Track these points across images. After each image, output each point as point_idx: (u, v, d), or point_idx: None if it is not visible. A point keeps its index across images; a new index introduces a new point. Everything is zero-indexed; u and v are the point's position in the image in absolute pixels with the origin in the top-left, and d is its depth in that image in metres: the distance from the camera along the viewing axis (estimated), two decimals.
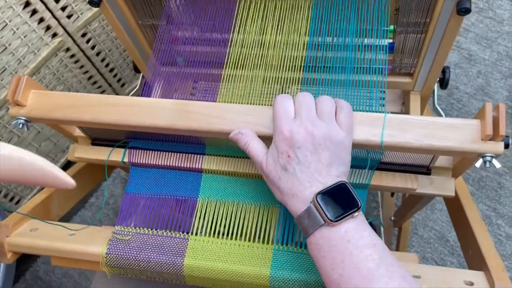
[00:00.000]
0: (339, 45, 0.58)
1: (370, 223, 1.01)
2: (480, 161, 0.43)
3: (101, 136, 0.60)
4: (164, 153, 0.57)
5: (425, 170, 0.52)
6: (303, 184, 0.42)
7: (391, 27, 0.63)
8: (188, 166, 0.56)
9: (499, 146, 0.42)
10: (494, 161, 0.42)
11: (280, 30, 0.59)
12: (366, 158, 0.51)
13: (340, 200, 0.41)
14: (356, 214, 0.41)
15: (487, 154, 0.42)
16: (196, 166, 0.55)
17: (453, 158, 0.52)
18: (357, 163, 0.52)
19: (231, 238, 0.52)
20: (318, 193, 0.41)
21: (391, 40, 0.64)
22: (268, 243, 0.51)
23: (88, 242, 0.53)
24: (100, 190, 1.28)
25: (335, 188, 0.41)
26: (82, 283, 1.16)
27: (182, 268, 0.50)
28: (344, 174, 0.44)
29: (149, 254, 0.51)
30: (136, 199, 0.55)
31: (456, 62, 1.32)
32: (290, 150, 0.43)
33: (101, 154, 0.60)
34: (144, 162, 0.57)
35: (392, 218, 1.00)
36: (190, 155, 0.56)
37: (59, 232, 0.55)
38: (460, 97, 1.27)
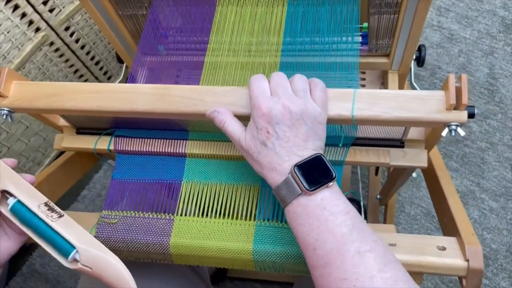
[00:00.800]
0: (314, 31, 0.60)
1: (354, 199, 1.04)
2: (446, 130, 0.45)
3: (86, 125, 0.61)
4: (149, 139, 0.58)
5: (398, 143, 0.54)
6: (282, 158, 0.44)
7: (365, 24, 0.65)
8: (172, 151, 0.57)
9: (462, 115, 0.44)
10: (459, 130, 0.44)
11: (257, 17, 0.60)
12: (341, 135, 0.53)
13: (316, 171, 0.43)
14: (331, 184, 0.43)
15: (452, 123, 0.44)
16: (180, 151, 0.57)
17: (424, 130, 0.54)
18: (333, 141, 0.54)
19: (215, 217, 0.53)
20: (296, 165, 0.43)
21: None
22: (250, 219, 0.53)
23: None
24: (92, 183, 1.29)
25: (312, 160, 0.43)
26: (78, 274, 1.18)
27: (169, 247, 0.52)
28: (320, 148, 0.46)
29: (136, 235, 0.53)
30: (123, 185, 0.57)
31: (437, 42, 1.34)
32: (269, 126, 0.44)
33: (87, 143, 0.61)
34: (129, 149, 0.58)
35: (378, 196, 1.02)
36: (174, 140, 0.58)
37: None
38: (442, 77, 1.29)
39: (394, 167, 0.55)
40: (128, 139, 0.59)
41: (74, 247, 0.45)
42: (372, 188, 1.07)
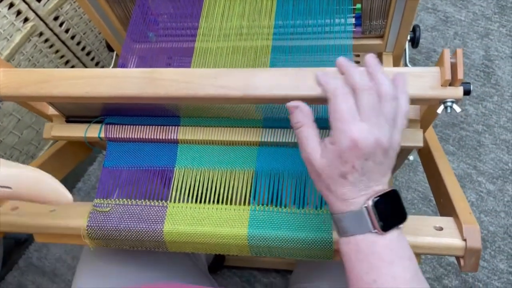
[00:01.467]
0: (306, 12, 0.59)
1: None
2: (442, 107, 0.44)
3: (75, 113, 0.60)
4: (140, 126, 0.57)
5: None
6: (359, 191, 0.40)
7: (358, 5, 0.64)
8: (163, 137, 0.56)
9: (458, 91, 0.43)
10: (455, 106, 0.43)
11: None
12: None
13: (390, 209, 0.40)
14: (401, 225, 0.40)
15: (447, 100, 0.43)
16: (172, 137, 0.56)
17: (419, 109, 0.54)
18: (325, 124, 0.53)
19: (209, 203, 0.53)
20: (373, 200, 0.39)
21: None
22: (245, 204, 0.52)
23: (69, 216, 0.54)
24: (87, 175, 1.28)
25: (387, 195, 0.40)
26: (76, 266, 1.17)
27: (162, 234, 0.51)
28: (389, 178, 0.42)
29: (129, 223, 0.52)
30: (114, 173, 0.56)
31: (432, 24, 1.33)
32: (357, 161, 0.38)
33: (77, 131, 0.60)
34: (120, 136, 0.57)
35: None
36: (165, 127, 0.57)
37: (40, 209, 0.56)
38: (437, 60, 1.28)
39: None
40: (119, 126, 0.58)
41: None
42: None
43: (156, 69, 0.49)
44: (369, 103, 0.39)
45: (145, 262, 0.63)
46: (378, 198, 0.39)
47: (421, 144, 0.53)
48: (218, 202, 0.53)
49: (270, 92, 0.46)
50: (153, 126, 0.57)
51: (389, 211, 0.39)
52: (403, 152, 0.67)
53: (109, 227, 0.52)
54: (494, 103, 1.20)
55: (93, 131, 0.58)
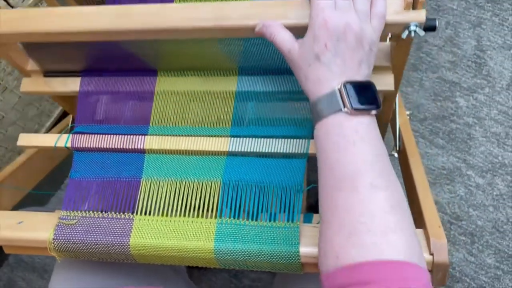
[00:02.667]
0: None
1: None
2: (406, 32, 0.44)
3: (53, 66, 0.59)
4: (107, 136, 0.56)
5: None
6: (333, 74, 0.41)
7: None
8: (130, 147, 0.55)
9: (421, 14, 0.43)
10: (418, 30, 0.43)
11: None
12: None
13: (364, 95, 0.41)
14: (374, 112, 0.41)
15: (411, 24, 0.43)
16: (139, 147, 0.55)
17: (390, 52, 0.53)
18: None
19: (175, 215, 0.52)
20: (347, 82, 0.41)
21: None
22: (211, 217, 0.51)
23: (36, 229, 0.53)
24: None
25: (363, 84, 0.42)
26: None
27: (129, 248, 0.51)
28: (368, 77, 0.43)
29: (95, 236, 0.51)
30: (81, 184, 0.55)
31: None
32: (329, 41, 0.41)
33: (55, 86, 0.60)
34: (87, 146, 0.56)
35: None
36: (132, 136, 0.56)
37: (9, 221, 0.55)
38: (429, 50, 1.25)
39: None
40: (86, 135, 0.57)
41: None
42: None
43: (128, 6, 0.48)
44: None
45: (123, 269, 0.63)
46: (352, 82, 0.41)
47: (392, 88, 0.53)
48: (185, 214, 0.52)
49: (242, 22, 0.46)
50: (120, 136, 0.56)
51: (363, 97, 0.40)
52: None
53: (75, 240, 0.52)
54: (485, 95, 1.18)
55: (60, 141, 0.57)
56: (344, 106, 0.40)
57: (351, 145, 0.39)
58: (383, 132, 0.74)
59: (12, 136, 1.11)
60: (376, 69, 0.52)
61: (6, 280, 1.17)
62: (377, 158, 0.40)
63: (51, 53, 0.57)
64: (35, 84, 0.61)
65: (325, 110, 0.41)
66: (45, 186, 0.77)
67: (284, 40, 0.44)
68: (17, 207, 0.65)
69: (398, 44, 0.49)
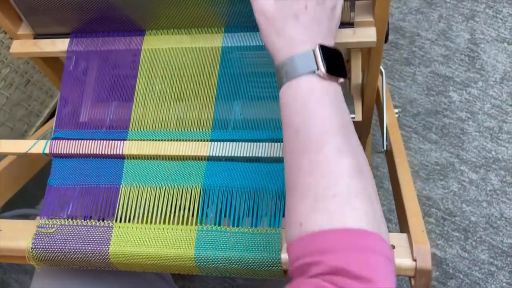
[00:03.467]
0: None
1: None
2: None
3: (44, 29, 0.60)
4: (86, 141, 0.55)
5: (348, 26, 0.55)
6: (308, 37, 0.41)
7: None
8: (109, 152, 0.54)
9: None
10: None
11: None
12: None
13: (333, 62, 0.40)
14: (341, 80, 0.41)
15: None
16: (118, 152, 0.54)
17: (372, 6, 0.53)
18: None
19: (155, 223, 0.51)
20: (321, 45, 0.40)
21: None
22: (192, 224, 0.50)
23: (14, 238, 0.52)
24: None
25: (334, 51, 0.42)
26: None
27: (108, 256, 0.50)
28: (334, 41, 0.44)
29: (74, 245, 0.51)
30: (59, 191, 0.54)
31: (417, 7, 1.28)
32: (309, 2, 0.41)
33: (45, 47, 0.61)
34: (65, 152, 0.55)
35: None
36: (111, 141, 0.54)
37: None
38: (422, 44, 1.24)
39: (345, 46, 0.55)
40: (64, 141, 0.56)
41: None
42: None
43: None
44: None
45: (104, 275, 0.62)
46: (325, 47, 0.40)
47: (373, 39, 0.53)
48: (165, 222, 0.51)
49: None
50: (99, 141, 0.55)
51: (334, 63, 0.40)
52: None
53: (54, 249, 0.51)
54: (479, 89, 1.17)
55: (38, 148, 0.56)
56: (318, 69, 0.39)
57: (320, 107, 0.39)
58: (367, 132, 0.73)
59: (0, 137, 1.10)
60: (360, 24, 0.54)
61: None
62: (343, 123, 0.39)
63: (47, 15, 0.58)
64: (25, 46, 0.62)
65: (297, 70, 0.40)
66: (34, 187, 0.76)
67: None
68: (6, 209, 0.64)
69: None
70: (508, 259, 1.02)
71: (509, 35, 1.21)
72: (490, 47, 1.20)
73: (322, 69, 0.39)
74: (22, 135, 1.17)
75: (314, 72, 0.39)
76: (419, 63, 1.22)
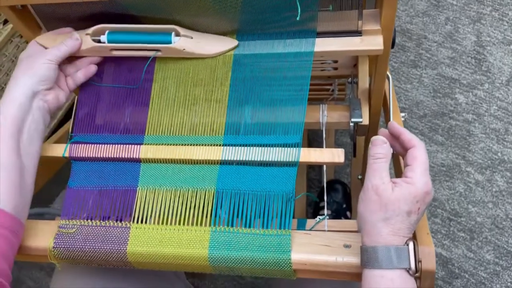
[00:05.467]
0: None
1: (341, 182, 1.03)
2: None
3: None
4: (104, 145, 0.58)
5: (356, 34, 0.57)
6: (409, 233, 0.45)
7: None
8: (127, 156, 0.57)
9: None
10: None
11: None
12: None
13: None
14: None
15: None
16: (134, 156, 0.56)
17: (379, 15, 0.55)
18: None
19: (171, 224, 0.53)
20: (414, 242, 0.44)
21: None
22: (206, 225, 0.53)
23: (36, 237, 0.55)
24: None
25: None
26: None
27: (126, 255, 0.52)
28: None
29: (94, 244, 0.53)
30: (79, 193, 0.57)
31: (423, 9, 1.29)
32: (423, 206, 0.45)
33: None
34: (84, 155, 0.58)
35: (359, 176, 1.02)
36: (128, 146, 0.57)
37: None
38: (428, 47, 1.25)
39: (353, 53, 0.61)
40: (83, 145, 0.58)
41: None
42: (354, 168, 1.06)
43: None
44: (427, 158, 0.47)
45: (121, 271, 0.64)
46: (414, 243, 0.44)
47: (381, 47, 0.55)
48: (180, 223, 0.53)
49: None
50: (117, 145, 0.57)
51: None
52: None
53: (74, 248, 0.53)
54: (485, 91, 1.18)
55: (58, 151, 0.58)
56: (410, 266, 0.43)
57: None
58: (374, 132, 0.74)
59: None
60: (367, 32, 0.57)
61: (14, 278, 1.19)
62: None
63: (66, 24, 0.60)
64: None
65: (391, 262, 0.43)
66: (49, 185, 0.79)
67: (382, 175, 0.46)
68: None
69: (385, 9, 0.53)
70: None
71: None
72: (496, 49, 1.21)
73: (413, 266, 0.43)
74: None
75: (405, 268, 0.43)
76: (425, 65, 1.24)
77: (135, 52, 0.59)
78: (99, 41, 0.58)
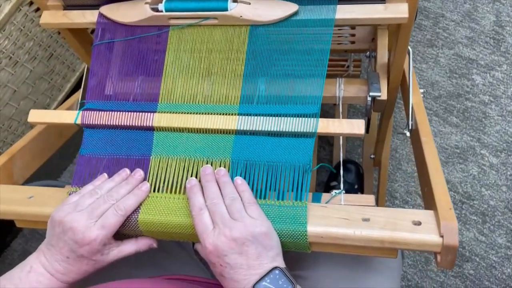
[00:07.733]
0: None
1: (353, 161, 1.02)
2: None
3: (75, 1, 0.61)
4: (116, 113, 0.56)
5: (380, 1, 0.54)
6: (241, 283, 0.45)
7: None
8: (140, 124, 0.55)
9: None
10: None
11: None
12: None
13: (275, 284, 0.44)
14: None
15: None
16: (148, 124, 0.55)
17: None
18: None
19: (183, 193, 0.52)
20: (254, 284, 0.44)
21: None
22: None
23: (46, 204, 0.54)
24: None
25: (269, 274, 0.45)
26: None
27: (137, 224, 0.51)
28: (277, 256, 0.47)
29: None
30: (91, 160, 0.55)
31: None
32: (219, 260, 0.46)
33: (74, 18, 0.61)
34: (96, 123, 0.56)
35: (372, 156, 1.00)
36: (141, 113, 0.55)
37: (19, 195, 0.56)
38: (446, 26, 1.22)
39: (376, 21, 0.57)
40: (95, 112, 0.56)
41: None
42: (366, 148, 1.04)
43: None
44: (215, 209, 0.48)
45: (142, 259, 0.62)
46: (259, 280, 0.45)
47: (405, 15, 0.53)
48: None
49: None
50: (130, 113, 0.55)
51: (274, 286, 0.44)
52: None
53: None
54: (503, 72, 1.15)
55: (69, 118, 0.57)
56: None
57: None
58: (390, 112, 0.72)
59: (24, 110, 1.12)
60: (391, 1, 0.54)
61: (21, 251, 1.19)
62: None
63: None
64: (55, 16, 0.62)
65: None
66: (57, 159, 0.78)
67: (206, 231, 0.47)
68: (29, 181, 0.65)
69: None
70: None
71: None
72: None
73: None
74: (45, 109, 1.19)
75: None
76: (442, 45, 1.20)
77: (192, 20, 0.57)
78: (157, 10, 0.57)
